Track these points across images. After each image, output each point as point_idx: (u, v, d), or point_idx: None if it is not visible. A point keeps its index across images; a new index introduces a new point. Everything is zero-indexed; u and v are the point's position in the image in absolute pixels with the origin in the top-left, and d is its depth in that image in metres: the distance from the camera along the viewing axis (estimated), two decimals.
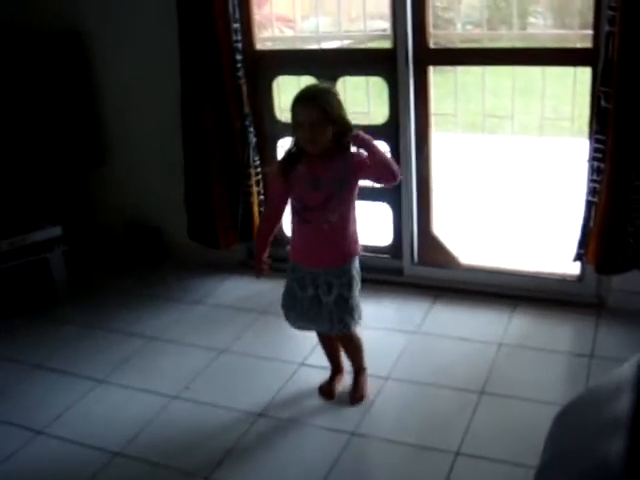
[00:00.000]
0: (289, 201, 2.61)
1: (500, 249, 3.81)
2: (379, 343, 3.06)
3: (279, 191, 2.62)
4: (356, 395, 2.78)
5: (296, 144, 2.53)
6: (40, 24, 3.80)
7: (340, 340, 2.78)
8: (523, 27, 5.67)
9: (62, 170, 3.89)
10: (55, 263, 3.66)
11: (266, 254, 2.69)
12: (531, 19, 5.82)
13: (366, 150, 2.46)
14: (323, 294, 2.58)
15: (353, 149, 2.50)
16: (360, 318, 2.64)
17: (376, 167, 2.46)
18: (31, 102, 3.70)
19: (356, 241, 2.60)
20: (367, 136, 2.47)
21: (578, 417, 1.45)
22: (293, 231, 2.64)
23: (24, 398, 2.93)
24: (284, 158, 2.59)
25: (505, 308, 3.35)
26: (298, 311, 2.66)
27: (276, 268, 2.62)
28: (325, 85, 2.56)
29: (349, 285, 2.57)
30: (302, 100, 2.46)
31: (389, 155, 2.52)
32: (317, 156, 2.49)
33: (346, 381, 2.86)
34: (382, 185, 2.66)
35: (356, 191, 2.55)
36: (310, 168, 2.50)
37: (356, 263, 2.61)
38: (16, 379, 3.06)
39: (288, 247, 2.70)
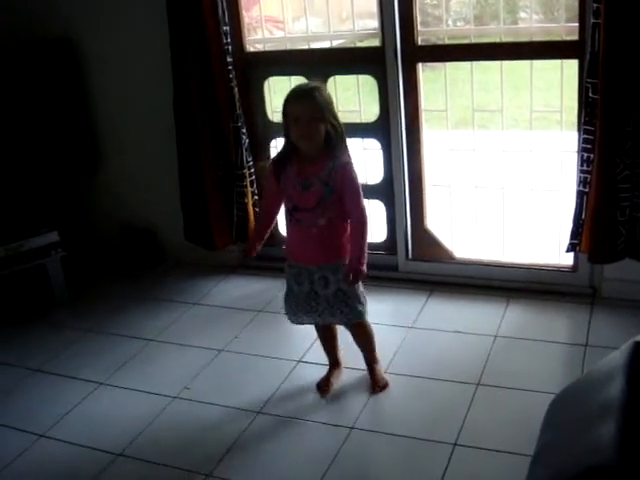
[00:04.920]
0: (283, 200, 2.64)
1: (494, 242, 3.83)
2: (376, 338, 3.08)
3: (272, 190, 2.66)
4: (380, 384, 2.81)
5: (287, 144, 2.56)
6: (30, 32, 3.81)
7: (353, 331, 2.80)
8: (514, 22, 5.69)
9: (57, 176, 3.91)
10: (52, 269, 3.67)
11: (259, 245, 2.73)
12: (522, 14, 5.84)
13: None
14: (320, 288, 2.61)
15: (343, 159, 2.52)
16: (366, 304, 2.68)
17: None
18: (24, 110, 3.71)
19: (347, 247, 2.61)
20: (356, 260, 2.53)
21: (571, 404, 1.48)
22: (287, 228, 2.68)
23: (25, 402, 2.95)
24: (276, 158, 2.64)
25: (500, 300, 3.37)
26: (295, 305, 2.69)
27: (271, 267, 2.61)
28: (317, 83, 2.59)
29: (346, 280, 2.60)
30: (298, 95, 2.50)
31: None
32: (307, 156, 2.52)
33: (344, 376, 2.89)
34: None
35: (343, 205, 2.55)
36: (300, 168, 2.54)
37: None
38: (16, 384, 3.08)
39: (284, 246, 2.74)
